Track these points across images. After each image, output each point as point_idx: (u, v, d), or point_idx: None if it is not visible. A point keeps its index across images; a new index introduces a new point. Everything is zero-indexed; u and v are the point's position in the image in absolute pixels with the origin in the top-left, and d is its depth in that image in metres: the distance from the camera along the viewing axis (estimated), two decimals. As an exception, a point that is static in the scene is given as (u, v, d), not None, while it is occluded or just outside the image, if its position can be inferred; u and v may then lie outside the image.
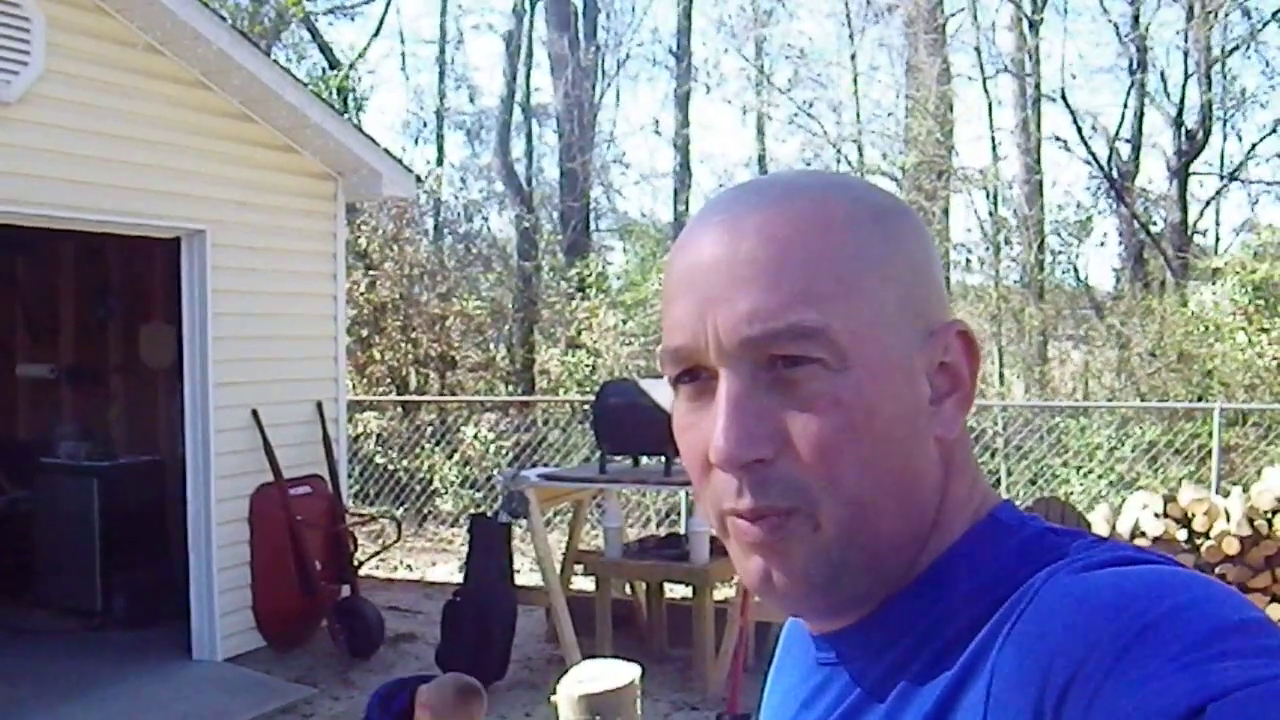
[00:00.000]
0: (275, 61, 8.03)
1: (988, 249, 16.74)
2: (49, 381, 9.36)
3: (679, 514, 10.04)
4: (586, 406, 9.90)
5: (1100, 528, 6.99)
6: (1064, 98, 17.32)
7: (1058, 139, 17.73)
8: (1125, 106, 17.87)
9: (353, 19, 26.35)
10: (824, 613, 0.89)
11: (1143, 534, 6.89)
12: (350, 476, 10.39)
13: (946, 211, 16.76)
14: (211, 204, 7.09)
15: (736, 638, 6.23)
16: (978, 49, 17.50)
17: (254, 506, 7.36)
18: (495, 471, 11.73)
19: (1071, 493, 10.42)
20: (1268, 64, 18.44)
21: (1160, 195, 18.05)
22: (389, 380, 14.90)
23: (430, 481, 12.71)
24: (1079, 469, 10.99)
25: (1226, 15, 16.43)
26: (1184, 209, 17.45)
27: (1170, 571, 0.76)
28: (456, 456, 12.83)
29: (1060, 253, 17.83)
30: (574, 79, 19.67)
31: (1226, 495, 7.42)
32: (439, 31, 22.82)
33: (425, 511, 12.58)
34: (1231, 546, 6.80)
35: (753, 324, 0.81)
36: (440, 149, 22.57)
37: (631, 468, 7.14)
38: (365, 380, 14.62)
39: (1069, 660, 0.71)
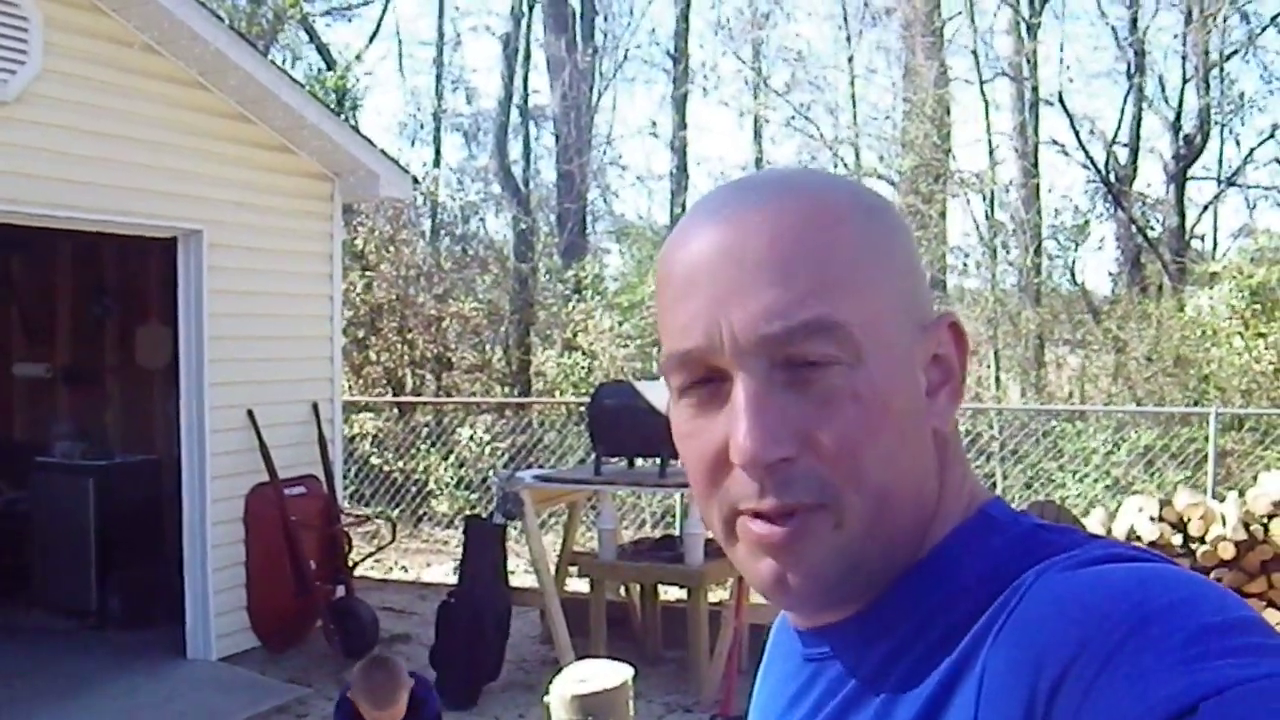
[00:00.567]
0: (272, 62, 8.02)
1: (984, 253, 16.73)
2: (45, 381, 9.36)
3: (674, 516, 10.05)
4: (582, 408, 9.89)
5: (1095, 531, 6.98)
6: (1061, 102, 17.34)
7: (1055, 143, 17.77)
8: (1123, 111, 17.90)
9: (350, 20, 26.32)
10: (829, 608, 0.88)
11: (1138, 538, 6.89)
12: (345, 477, 10.40)
13: (943, 215, 16.76)
14: (208, 204, 7.08)
15: (731, 640, 6.24)
16: (975, 52, 17.49)
17: (249, 507, 7.36)
18: (490, 473, 11.73)
19: (1067, 497, 10.42)
20: (1266, 68, 18.55)
21: (1158, 200, 18.07)
22: (385, 381, 14.90)
23: (425, 483, 12.70)
24: (1075, 473, 10.99)
25: (1225, 20, 16.45)
26: (1181, 213, 17.47)
27: (1162, 569, 0.76)
28: (452, 458, 12.83)
29: (1057, 257, 17.86)
30: (571, 81, 19.68)
31: (1222, 500, 7.42)
32: (436, 33, 22.88)
33: (420, 512, 12.59)
34: (1227, 551, 6.79)
35: (771, 321, 0.80)
36: (437, 150, 22.61)
37: (627, 469, 7.14)
38: (361, 381, 14.62)
39: (1061, 657, 0.71)
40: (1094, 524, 7.30)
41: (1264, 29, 17.31)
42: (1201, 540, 6.92)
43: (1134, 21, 17.34)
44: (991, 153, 17.23)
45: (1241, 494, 7.35)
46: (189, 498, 7.17)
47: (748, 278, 0.81)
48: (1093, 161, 17.62)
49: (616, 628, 7.26)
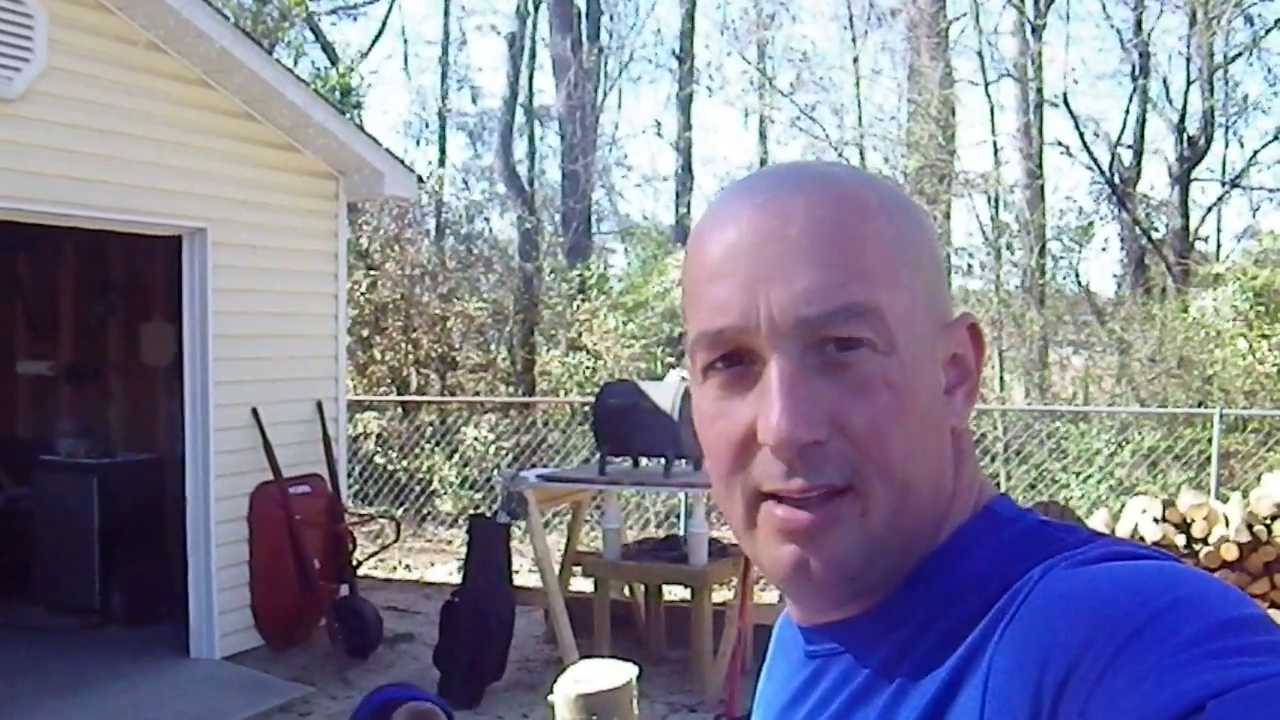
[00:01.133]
0: (277, 60, 8.02)
1: (989, 253, 16.73)
2: (49, 379, 9.37)
3: (678, 516, 10.04)
4: (586, 408, 9.90)
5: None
6: (1066, 103, 17.33)
7: (1060, 144, 17.76)
8: (1127, 112, 17.89)
9: (355, 19, 26.39)
10: (846, 600, 0.87)
11: (1141, 539, 6.88)
12: (350, 476, 10.40)
13: (948, 216, 16.75)
14: (213, 202, 7.08)
15: (734, 639, 6.24)
16: (980, 53, 17.52)
17: (253, 505, 7.36)
18: (495, 472, 11.74)
19: (1071, 497, 10.42)
20: (1270, 71, 18.49)
21: (1162, 201, 18.06)
22: (389, 380, 14.90)
23: (430, 482, 12.71)
24: (1078, 474, 10.99)
25: (1229, 22, 16.44)
26: (1185, 215, 17.46)
27: (1168, 567, 0.76)
28: (456, 457, 12.84)
29: (1061, 258, 17.85)
30: (576, 81, 19.69)
31: (1226, 501, 7.42)
32: (442, 32, 22.90)
33: (424, 512, 12.59)
34: (1230, 552, 6.79)
35: (811, 303, 0.81)
36: (442, 150, 22.63)
37: (631, 469, 7.14)
38: (365, 380, 14.63)
39: (1067, 655, 0.71)
40: (1097, 525, 7.29)
41: (1268, 31, 17.30)
42: (1205, 541, 6.92)
43: (1139, 23, 17.34)
44: (996, 154, 17.25)
45: (1245, 495, 7.35)
46: (193, 496, 7.17)
47: (788, 260, 0.82)
48: (1097, 163, 17.61)
49: (620, 627, 7.26)
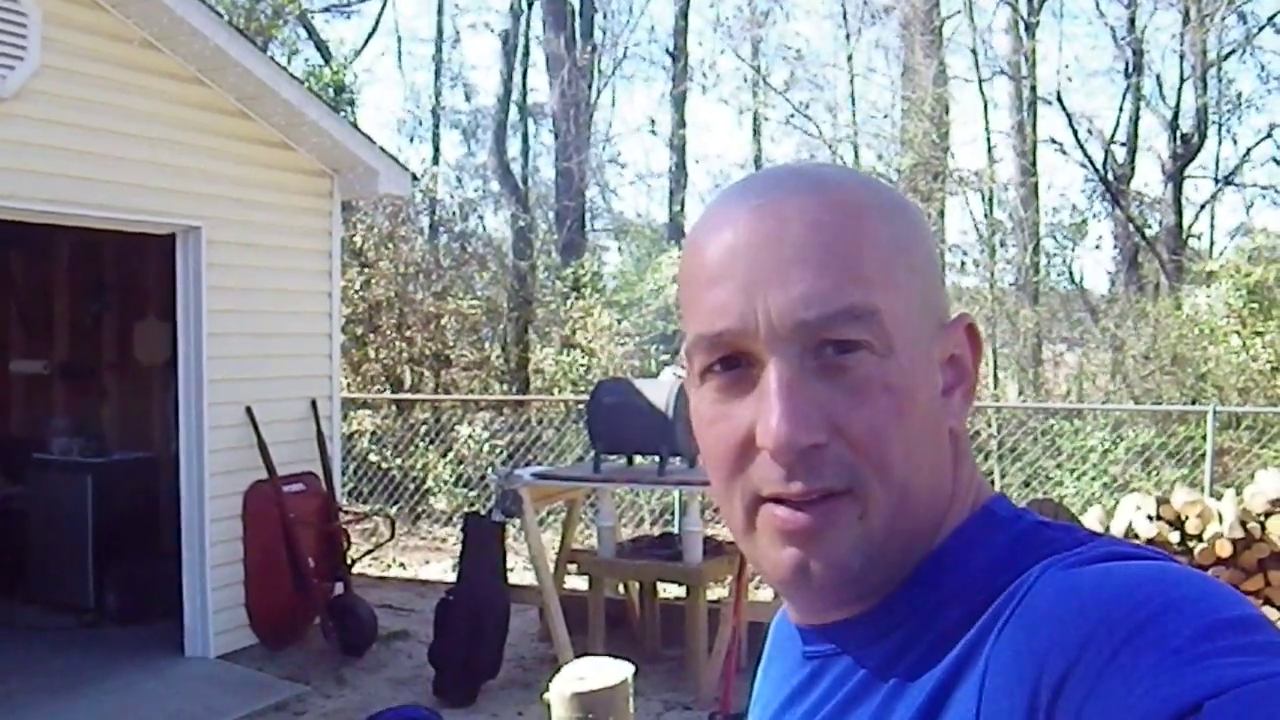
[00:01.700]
0: (271, 58, 8.01)
1: (983, 251, 16.73)
2: (43, 377, 9.36)
3: (672, 514, 10.04)
4: (581, 406, 9.89)
5: (1093, 529, 6.99)
6: (1060, 100, 17.35)
7: (1053, 142, 17.79)
8: (1121, 110, 17.92)
9: (349, 17, 26.34)
10: (847, 601, 0.87)
11: (1136, 536, 6.89)
12: (344, 474, 10.40)
13: (942, 213, 16.77)
14: (207, 200, 7.08)
15: (729, 637, 6.24)
16: (974, 51, 17.51)
17: (247, 504, 7.36)
18: (489, 470, 11.72)
19: (1065, 495, 10.42)
20: (1263, 68, 18.57)
21: (1155, 199, 18.08)
22: (383, 378, 14.89)
23: (424, 480, 12.70)
24: (1073, 471, 10.99)
25: (1222, 19, 16.45)
26: (1179, 212, 17.48)
27: (1165, 567, 0.76)
28: (450, 455, 12.83)
29: (1055, 255, 17.87)
30: (570, 78, 19.67)
31: (1219, 498, 7.43)
32: (435, 30, 22.89)
33: (419, 510, 12.58)
34: (1224, 549, 6.80)
35: (809, 306, 0.81)
36: (436, 148, 22.61)
37: (625, 467, 7.15)
38: (360, 378, 14.61)
39: (1064, 655, 0.71)
40: (1092, 522, 7.30)
41: (1261, 29, 17.34)
42: (1199, 538, 6.93)
43: (1132, 21, 17.35)
44: (990, 151, 17.25)
45: (1239, 492, 7.35)
46: (187, 494, 7.17)
47: (786, 263, 0.82)
48: (1090, 160, 17.63)
49: (615, 626, 7.27)
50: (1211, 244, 18.75)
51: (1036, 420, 11.32)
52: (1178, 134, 17.33)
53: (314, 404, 7.86)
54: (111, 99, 6.53)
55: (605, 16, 22.47)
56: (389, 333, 14.74)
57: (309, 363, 7.94)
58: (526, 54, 21.68)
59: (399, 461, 12.86)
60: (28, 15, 6.03)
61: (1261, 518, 6.87)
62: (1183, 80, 17.30)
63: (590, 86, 20.96)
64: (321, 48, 20.79)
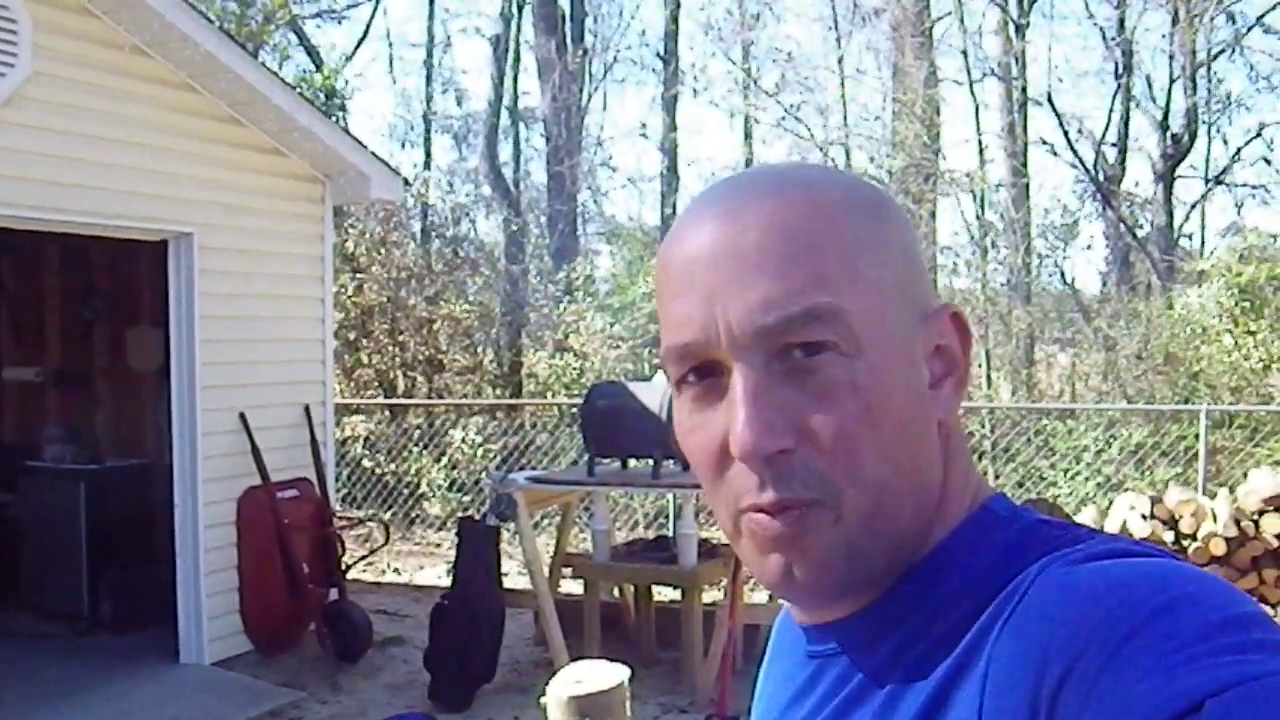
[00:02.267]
0: (262, 64, 8.00)
1: (974, 252, 16.78)
2: (35, 384, 9.34)
3: (667, 517, 10.05)
4: (574, 409, 9.89)
5: (1088, 530, 7.00)
6: (1050, 101, 17.39)
7: (1044, 142, 17.80)
8: (1111, 110, 17.95)
9: (340, 22, 26.32)
10: (837, 601, 0.87)
11: (1130, 535, 6.90)
12: (338, 480, 10.38)
13: (933, 215, 16.79)
14: (199, 207, 7.07)
15: (725, 640, 6.24)
16: (964, 52, 17.54)
17: (241, 510, 7.35)
18: (483, 475, 11.72)
19: (1059, 495, 10.44)
20: (1252, 68, 18.61)
21: (1146, 199, 18.13)
22: (376, 384, 14.88)
23: (418, 485, 12.70)
24: (1066, 471, 11.01)
25: (1211, 19, 16.50)
26: (1170, 212, 17.53)
27: (1166, 564, 0.76)
28: (444, 460, 12.82)
29: (1047, 256, 17.90)
30: (561, 83, 19.69)
31: (1213, 497, 7.45)
32: (426, 35, 22.87)
33: (413, 515, 12.58)
34: (1218, 548, 6.82)
35: (767, 312, 0.80)
36: (428, 152, 22.61)
37: (619, 470, 7.14)
38: (353, 384, 14.61)
39: (1065, 653, 0.70)
40: (1086, 522, 7.30)
41: (1250, 28, 17.40)
42: (1193, 537, 6.95)
43: (1121, 21, 17.39)
44: (981, 152, 17.28)
45: (1232, 491, 7.37)
46: (181, 501, 7.15)
47: (744, 271, 0.82)
48: (1081, 161, 17.67)
49: (610, 629, 7.26)
50: (1203, 243, 18.80)
51: (1030, 421, 11.34)
52: (1168, 134, 17.37)
53: (307, 409, 7.85)
54: (102, 105, 6.52)
55: (596, 20, 22.52)
56: (382, 338, 14.74)
57: (302, 368, 7.93)
58: (517, 58, 21.70)
59: (393, 467, 12.85)
60: (18, 22, 6.02)
61: (1255, 516, 6.89)
62: (1172, 80, 17.35)
63: (581, 90, 20.99)
64: (313, 53, 20.79)
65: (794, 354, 0.81)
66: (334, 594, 7.61)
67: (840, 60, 19.16)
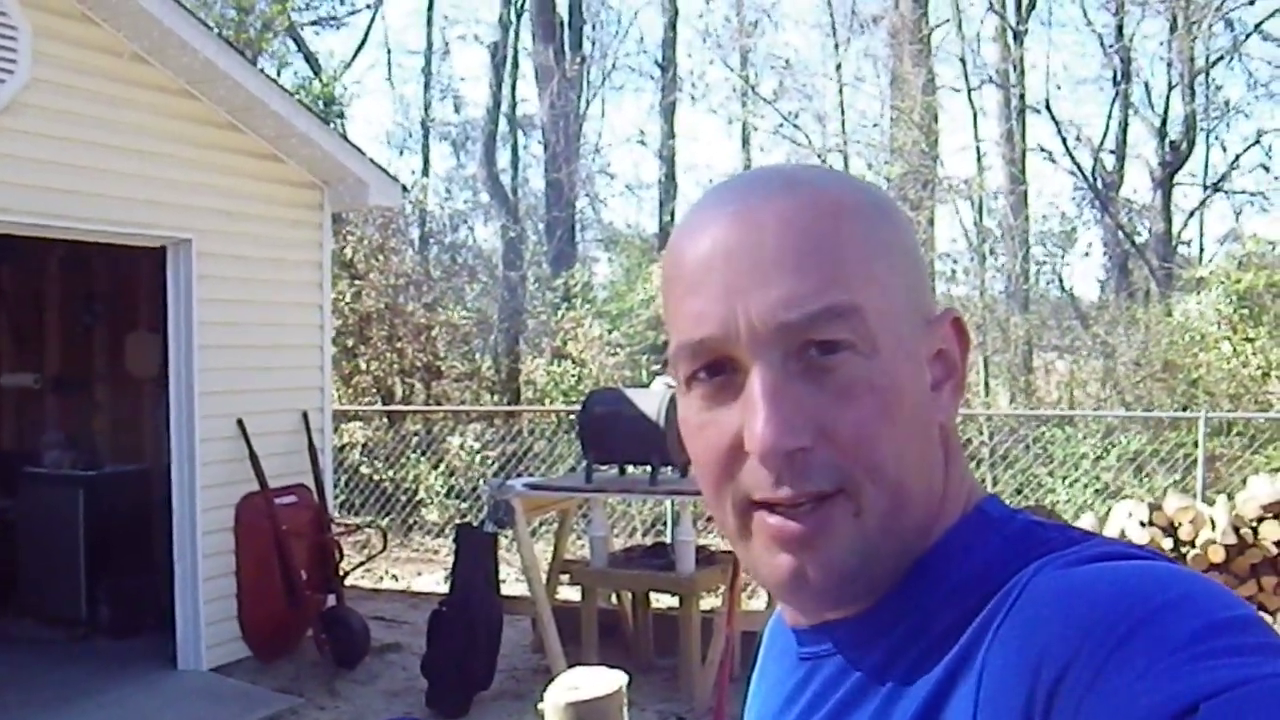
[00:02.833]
0: (261, 71, 8.01)
1: (973, 259, 16.79)
2: (34, 390, 9.33)
3: (665, 523, 10.04)
4: (572, 416, 9.89)
5: (1086, 536, 7.00)
6: (1048, 108, 17.41)
7: (1042, 149, 17.84)
8: (1109, 117, 17.99)
9: (338, 29, 26.37)
10: (845, 603, 0.87)
11: (1128, 542, 6.91)
12: (335, 486, 10.37)
13: (932, 222, 16.80)
14: (197, 213, 7.07)
15: (722, 647, 6.23)
16: (962, 60, 17.57)
17: (239, 516, 7.34)
18: (481, 481, 11.72)
19: (1057, 502, 10.44)
20: (1251, 75, 18.64)
21: (1144, 205, 18.14)
22: (374, 390, 14.88)
23: (416, 491, 12.69)
24: (1064, 478, 11.01)
25: (1210, 27, 16.53)
26: (1168, 219, 17.55)
27: (1160, 567, 0.76)
28: (442, 466, 12.82)
29: (1045, 263, 17.94)
30: (559, 90, 19.70)
31: (1212, 504, 7.44)
32: (425, 42, 22.89)
33: (411, 521, 12.56)
34: (1217, 555, 6.82)
35: (789, 309, 0.80)
36: (426, 159, 22.62)
37: (617, 477, 7.13)
38: (351, 390, 14.60)
39: (1059, 657, 0.71)
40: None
41: (1248, 36, 17.42)
42: (1191, 544, 6.94)
43: (1120, 28, 17.42)
44: (979, 159, 17.33)
45: (1230, 498, 7.37)
46: (179, 507, 7.15)
47: (765, 267, 0.82)
48: (1080, 168, 17.69)
49: (608, 636, 7.25)
50: (1201, 250, 18.83)
51: (1028, 428, 11.34)
52: (1166, 141, 17.40)
53: (305, 416, 7.85)
54: (102, 112, 6.52)
55: (594, 28, 22.54)
56: (380, 344, 14.73)
57: (300, 375, 7.92)
58: (515, 66, 21.73)
59: (391, 473, 12.84)
60: (18, 29, 6.03)
61: (1254, 523, 6.89)
62: (1171, 87, 17.40)
63: (579, 98, 21.01)
64: (311, 60, 20.82)
65: (811, 352, 0.81)
66: (332, 600, 7.60)
67: (838, 67, 19.18)
